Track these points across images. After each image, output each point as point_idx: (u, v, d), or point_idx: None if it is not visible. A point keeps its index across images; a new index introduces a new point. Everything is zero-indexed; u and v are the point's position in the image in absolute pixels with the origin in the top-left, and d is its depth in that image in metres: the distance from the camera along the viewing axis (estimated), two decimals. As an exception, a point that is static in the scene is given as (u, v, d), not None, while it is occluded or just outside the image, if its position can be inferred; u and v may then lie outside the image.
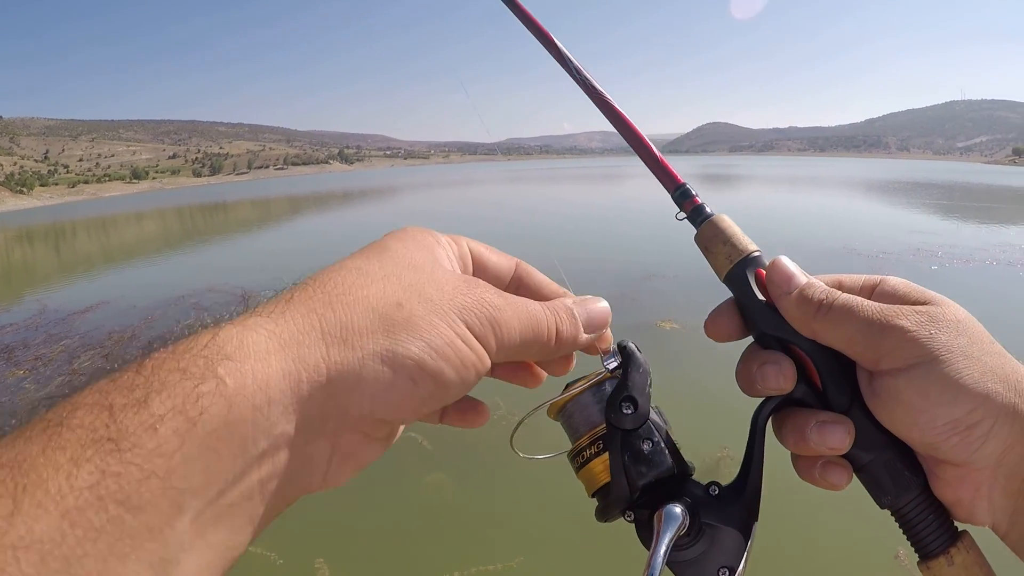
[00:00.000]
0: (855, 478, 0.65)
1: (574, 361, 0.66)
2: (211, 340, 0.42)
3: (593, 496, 0.66)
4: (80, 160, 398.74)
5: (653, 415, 0.65)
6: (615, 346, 0.66)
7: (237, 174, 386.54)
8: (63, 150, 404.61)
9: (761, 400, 0.66)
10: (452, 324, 0.49)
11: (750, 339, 0.69)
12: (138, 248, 28.77)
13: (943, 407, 0.57)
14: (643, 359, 0.66)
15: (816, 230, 19.79)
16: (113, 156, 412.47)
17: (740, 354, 0.68)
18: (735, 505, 0.64)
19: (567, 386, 0.67)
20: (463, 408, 0.62)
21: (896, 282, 0.66)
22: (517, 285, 0.65)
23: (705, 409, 5.96)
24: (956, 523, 0.63)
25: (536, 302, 0.58)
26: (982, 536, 0.62)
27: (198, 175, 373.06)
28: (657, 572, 0.57)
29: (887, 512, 0.65)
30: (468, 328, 0.50)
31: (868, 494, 0.65)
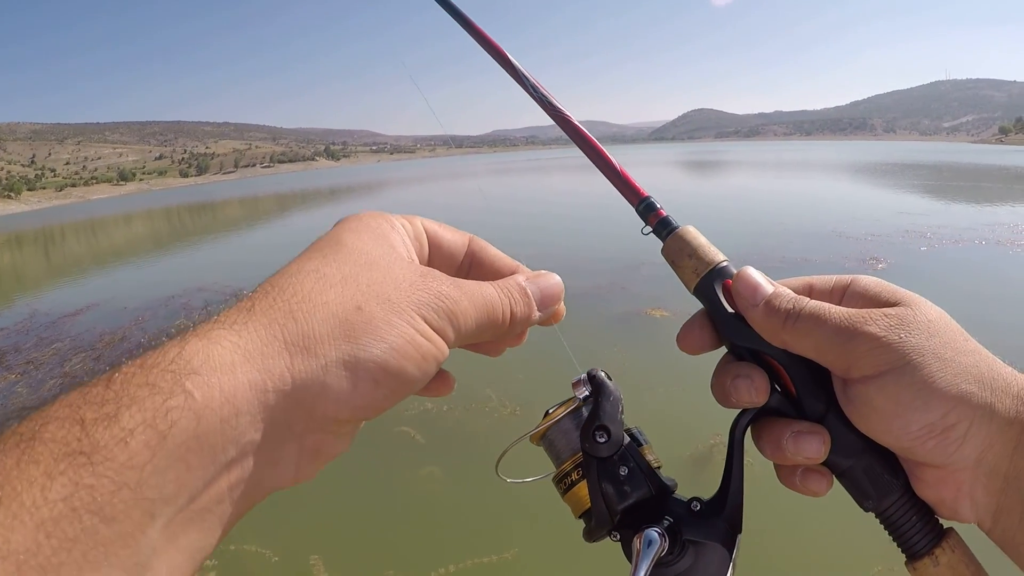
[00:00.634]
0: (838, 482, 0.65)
1: (527, 335, 0.66)
2: (178, 355, 0.43)
3: (579, 518, 0.67)
4: (67, 163, 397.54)
5: (631, 436, 0.66)
6: (585, 375, 0.67)
7: (224, 173, 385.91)
8: (49, 154, 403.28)
9: (738, 412, 0.66)
10: (411, 322, 0.51)
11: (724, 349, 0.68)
12: (127, 250, 28.71)
13: (917, 412, 0.56)
14: (613, 386, 0.66)
15: (804, 215, 19.83)
16: (100, 158, 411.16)
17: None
18: (717, 519, 0.64)
19: (546, 413, 0.69)
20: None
21: (867, 282, 0.66)
22: (471, 261, 0.66)
23: (697, 396, 5.96)
24: (942, 521, 0.62)
25: (490, 285, 0.59)
26: (970, 528, 0.62)
27: (185, 175, 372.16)
28: None
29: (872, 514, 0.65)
30: (427, 323, 0.52)
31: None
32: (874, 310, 0.60)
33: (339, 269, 0.52)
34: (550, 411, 0.69)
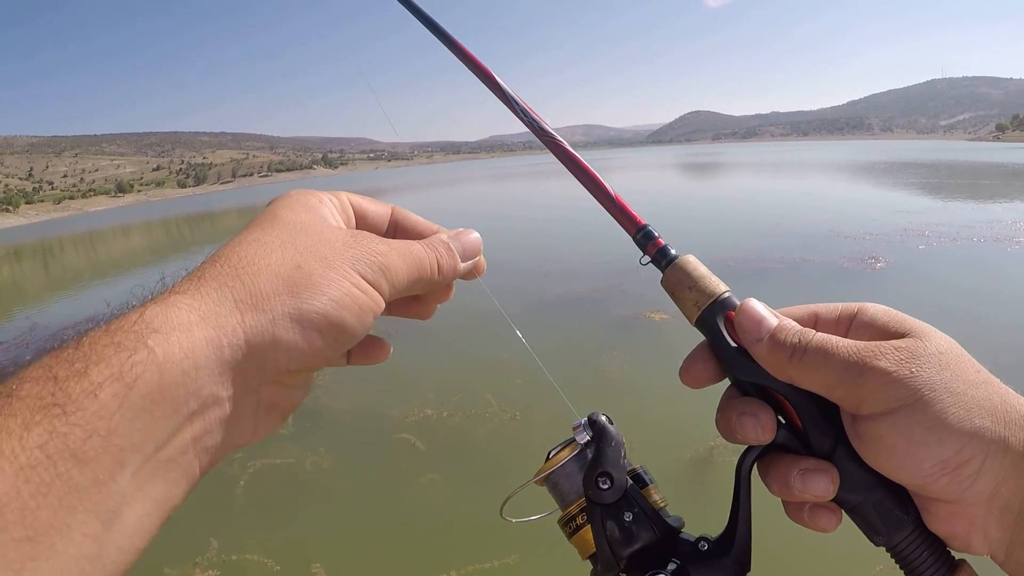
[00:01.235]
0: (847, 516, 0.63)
1: (453, 290, 0.70)
2: (139, 318, 0.47)
3: (586, 560, 0.67)
4: (64, 176, 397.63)
5: (636, 477, 0.66)
6: (586, 420, 0.67)
7: (222, 183, 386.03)
8: (47, 167, 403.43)
9: (744, 448, 0.64)
10: (347, 276, 0.55)
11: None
12: (126, 261, 28.73)
13: (930, 449, 0.54)
14: (615, 431, 0.66)
15: (802, 215, 19.87)
16: (97, 171, 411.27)
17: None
18: (725, 559, 0.63)
19: (548, 456, 0.69)
20: (366, 346, 0.67)
21: (875, 311, 0.63)
22: (395, 228, 0.70)
23: (697, 398, 5.89)
24: (954, 553, 0.60)
25: (417, 242, 0.63)
26: (983, 560, 0.61)
27: (183, 186, 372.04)
28: None
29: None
30: (361, 277, 0.56)
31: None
32: (883, 343, 0.58)
33: (277, 236, 0.56)
34: (552, 454, 0.68)
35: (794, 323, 0.62)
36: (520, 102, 0.74)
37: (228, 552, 4.64)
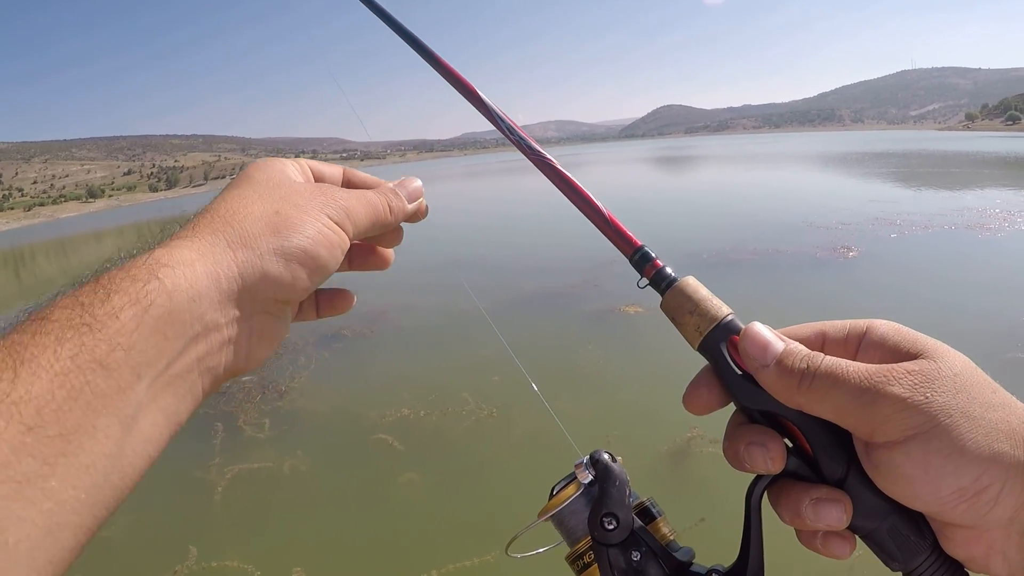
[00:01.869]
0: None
1: (403, 234, 0.80)
2: (149, 257, 0.54)
3: None
4: (35, 182, 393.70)
5: (643, 511, 0.65)
6: (587, 459, 0.66)
7: (194, 186, 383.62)
8: (16, 173, 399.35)
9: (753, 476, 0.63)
10: (318, 218, 0.64)
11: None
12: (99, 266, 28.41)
13: (947, 477, 0.52)
14: (619, 469, 0.65)
15: (775, 206, 19.98)
16: (67, 176, 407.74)
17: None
18: None
19: (552, 492, 0.68)
20: (332, 297, 0.77)
21: (884, 330, 0.60)
22: (348, 184, 0.78)
23: (674, 390, 5.88)
24: (972, 574, 0.58)
25: (369, 191, 0.73)
26: None
27: (155, 190, 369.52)
28: None
29: None
30: (330, 218, 0.65)
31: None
32: (896, 366, 0.55)
33: (255, 191, 0.65)
34: (556, 491, 0.67)
35: (801, 347, 0.60)
36: (506, 119, 0.75)
37: (208, 559, 4.61)
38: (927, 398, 0.53)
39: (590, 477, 0.65)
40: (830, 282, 10.38)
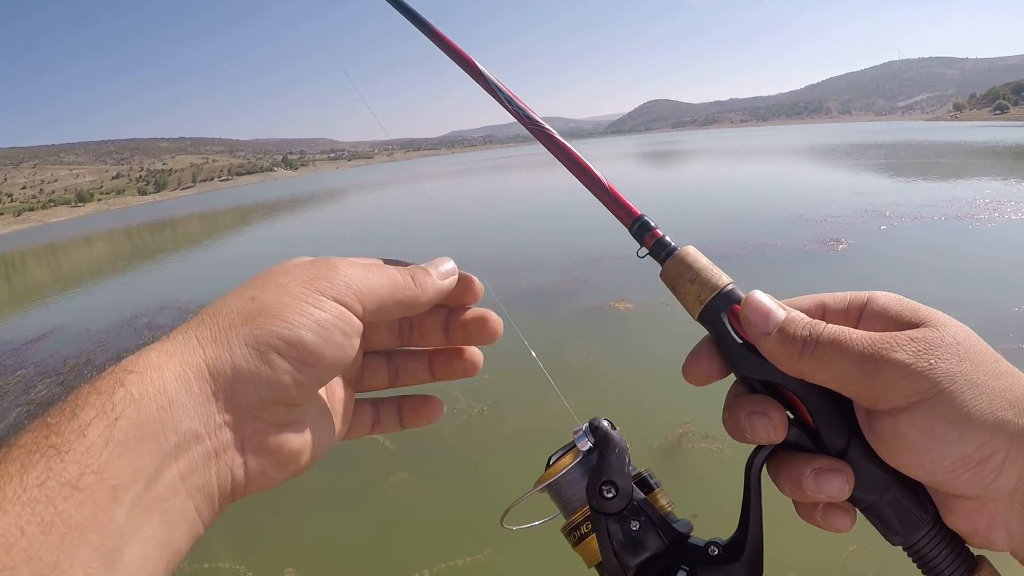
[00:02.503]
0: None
1: (493, 326, 0.70)
2: (116, 366, 0.49)
3: (592, 569, 0.65)
4: (23, 188, 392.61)
5: (641, 481, 0.65)
6: (587, 425, 0.65)
7: (182, 189, 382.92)
8: (5, 179, 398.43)
9: (753, 447, 0.62)
10: (303, 296, 0.54)
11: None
12: (88, 272, 28.32)
13: (951, 445, 0.52)
14: (618, 437, 0.64)
15: (763, 199, 20.03)
16: (56, 181, 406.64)
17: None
18: (736, 564, 0.61)
19: (549, 461, 0.67)
20: (414, 404, 0.69)
21: (886, 300, 0.60)
22: None
23: (665, 386, 6.04)
24: (973, 549, 0.59)
25: (389, 265, 0.63)
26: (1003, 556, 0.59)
27: (143, 193, 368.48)
28: None
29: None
30: (321, 295, 0.55)
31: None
32: (899, 333, 0.55)
33: (242, 286, 0.57)
34: (552, 460, 0.67)
35: (803, 315, 0.59)
36: (505, 90, 0.71)
37: (199, 560, 4.58)
38: (931, 364, 0.52)
39: (589, 444, 0.65)
40: (820, 275, 10.35)
